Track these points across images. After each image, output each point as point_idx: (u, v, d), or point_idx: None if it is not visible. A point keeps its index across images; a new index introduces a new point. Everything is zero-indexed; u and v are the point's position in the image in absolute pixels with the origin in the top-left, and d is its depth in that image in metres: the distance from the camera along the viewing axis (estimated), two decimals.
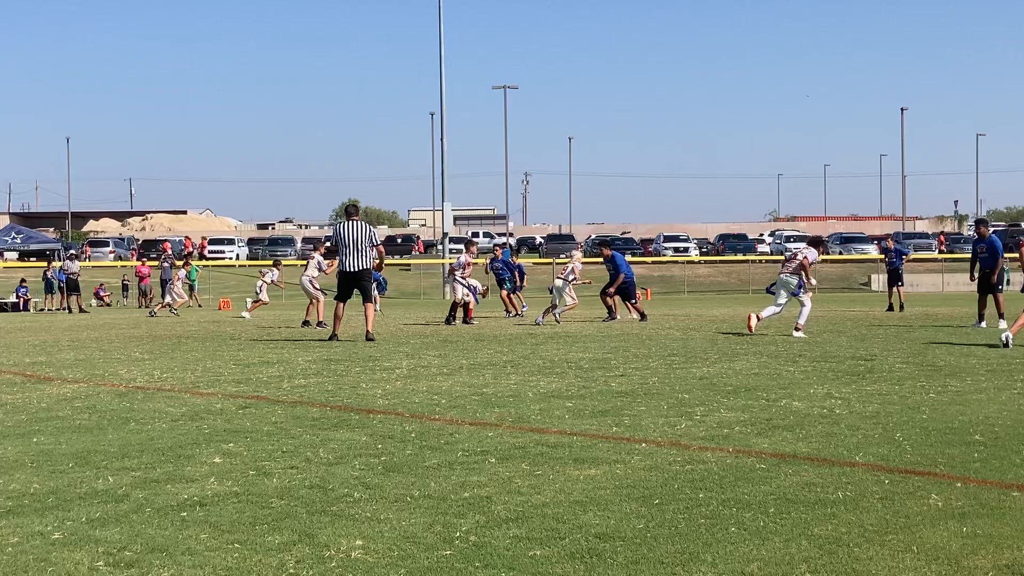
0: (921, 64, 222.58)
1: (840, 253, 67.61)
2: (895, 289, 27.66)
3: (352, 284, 17.21)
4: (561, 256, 53.18)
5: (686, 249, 70.93)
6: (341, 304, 17.21)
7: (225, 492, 5.50)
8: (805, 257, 17.94)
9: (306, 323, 22.93)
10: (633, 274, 24.20)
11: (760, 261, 63.18)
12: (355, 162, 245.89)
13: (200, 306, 40.73)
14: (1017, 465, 5.95)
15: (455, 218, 60.64)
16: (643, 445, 6.73)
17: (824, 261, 61.97)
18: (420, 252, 76.48)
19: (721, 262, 68.78)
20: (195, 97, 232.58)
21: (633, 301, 23.90)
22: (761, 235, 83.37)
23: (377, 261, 18.06)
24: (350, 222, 17.21)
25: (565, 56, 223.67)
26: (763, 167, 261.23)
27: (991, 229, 22.56)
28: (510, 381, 10.48)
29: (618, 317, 23.10)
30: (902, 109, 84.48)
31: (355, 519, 4.91)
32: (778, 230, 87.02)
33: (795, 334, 16.83)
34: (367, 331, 16.95)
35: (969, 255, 21.35)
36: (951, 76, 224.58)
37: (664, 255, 68.69)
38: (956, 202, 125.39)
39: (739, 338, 16.82)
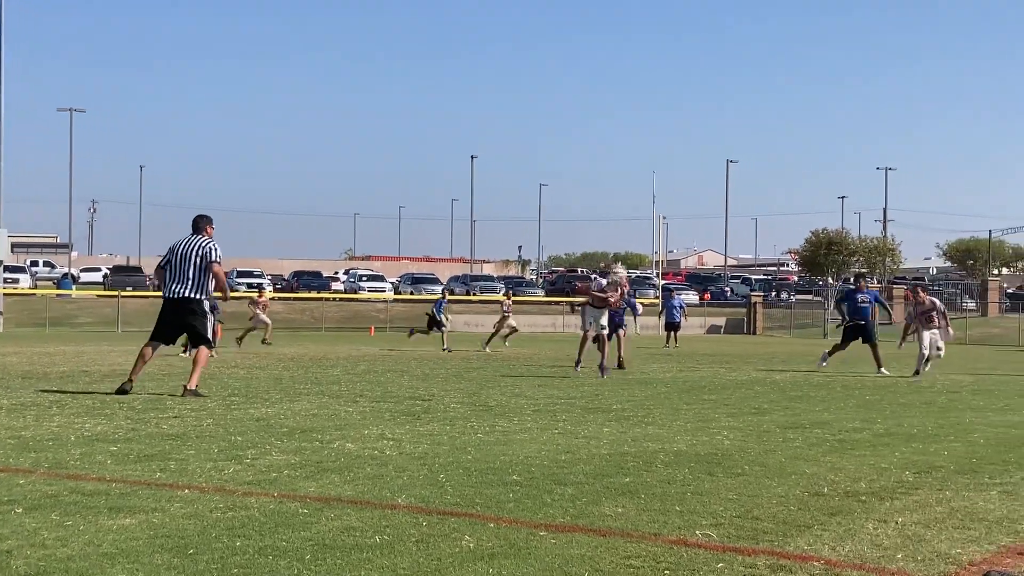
0: (489, 114, 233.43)
1: (411, 293, 69.29)
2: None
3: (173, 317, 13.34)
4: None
5: (259, 285, 70.19)
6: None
7: None
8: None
9: None
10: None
11: (334, 299, 63.57)
12: None
13: None
14: (548, 504, 6.25)
15: (12, 245, 56.91)
16: (186, 491, 6.51)
17: (396, 300, 63.31)
18: None
19: (295, 299, 68.60)
20: None
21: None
22: (336, 273, 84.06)
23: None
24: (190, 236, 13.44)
25: (134, 82, 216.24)
26: (339, 206, 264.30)
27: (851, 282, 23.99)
28: (52, 423, 9.88)
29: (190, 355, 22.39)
30: (472, 157, 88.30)
31: None
32: (353, 268, 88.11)
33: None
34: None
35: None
36: (517, 128, 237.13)
37: (237, 290, 67.63)
38: (520, 247, 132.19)
39: (304, 377, 16.79)
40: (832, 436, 9.87)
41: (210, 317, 13.59)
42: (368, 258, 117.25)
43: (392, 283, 77.06)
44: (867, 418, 11.57)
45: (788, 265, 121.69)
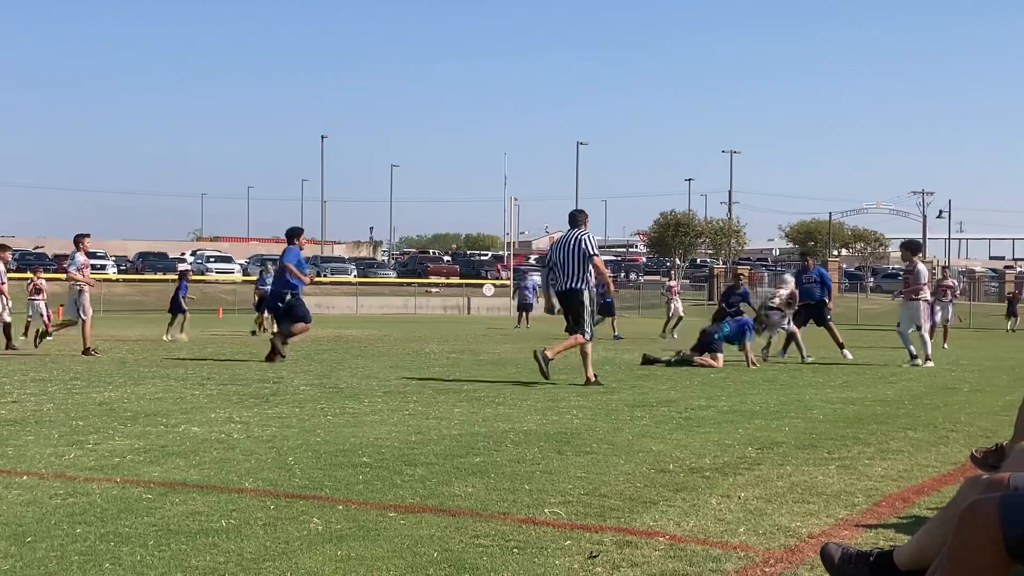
0: (340, 95, 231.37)
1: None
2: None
3: None
4: None
5: (103, 267, 68.40)
6: None
7: None
8: None
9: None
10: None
11: None
12: None
13: None
14: (398, 486, 6.23)
15: None
16: (24, 478, 6.31)
17: (244, 282, 62.26)
18: None
19: (140, 281, 67.06)
20: None
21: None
22: (183, 254, 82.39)
23: None
24: None
25: None
26: (187, 186, 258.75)
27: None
28: None
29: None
30: (322, 137, 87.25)
31: None
32: (200, 249, 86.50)
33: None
34: None
35: None
36: (368, 109, 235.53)
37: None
38: (372, 229, 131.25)
39: (150, 360, 16.42)
40: (678, 414, 10.06)
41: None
42: (216, 239, 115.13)
43: (241, 264, 75.89)
44: (712, 396, 11.84)
45: (637, 246, 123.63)
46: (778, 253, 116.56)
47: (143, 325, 33.81)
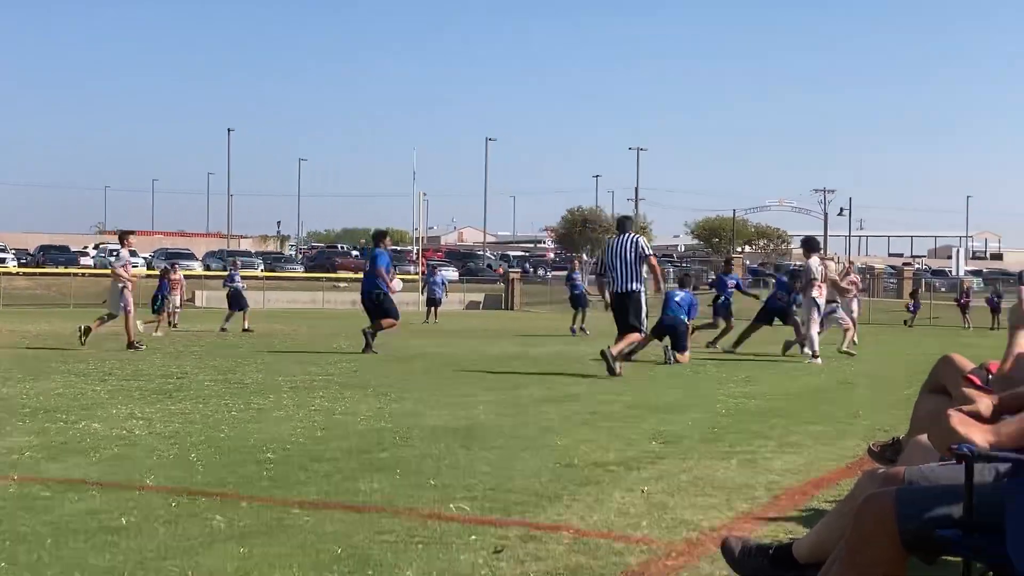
0: (246, 88, 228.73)
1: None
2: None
3: None
4: None
5: (3, 260, 66.89)
6: None
7: None
8: None
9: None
10: None
11: (83, 274, 61.08)
12: None
13: None
14: (302, 482, 6.19)
15: None
16: None
17: (148, 276, 61.22)
18: None
19: (41, 274, 65.61)
20: None
21: None
22: (85, 247, 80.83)
23: None
24: None
25: None
26: (89, 178, 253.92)
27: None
28: None
29: None
30: (229, 130, 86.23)
31: None
32: (103, 243, 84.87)
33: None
34: None
35: None
36: (275, 102, 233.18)
37: None
38: (279, 223, 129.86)
39: (51, 354, 16.09)
40: (585, 409, 10.13)
41: None
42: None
43: (145, 258, 74.58)
44: (618, 391, 11.92)
45: (545, 242, 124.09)
46: (683, 249, 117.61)
47: (45, 319, 33.09)
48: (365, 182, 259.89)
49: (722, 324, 22.27)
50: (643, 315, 14.38)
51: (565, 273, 38.15)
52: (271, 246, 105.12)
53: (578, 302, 28.77)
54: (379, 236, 19.34)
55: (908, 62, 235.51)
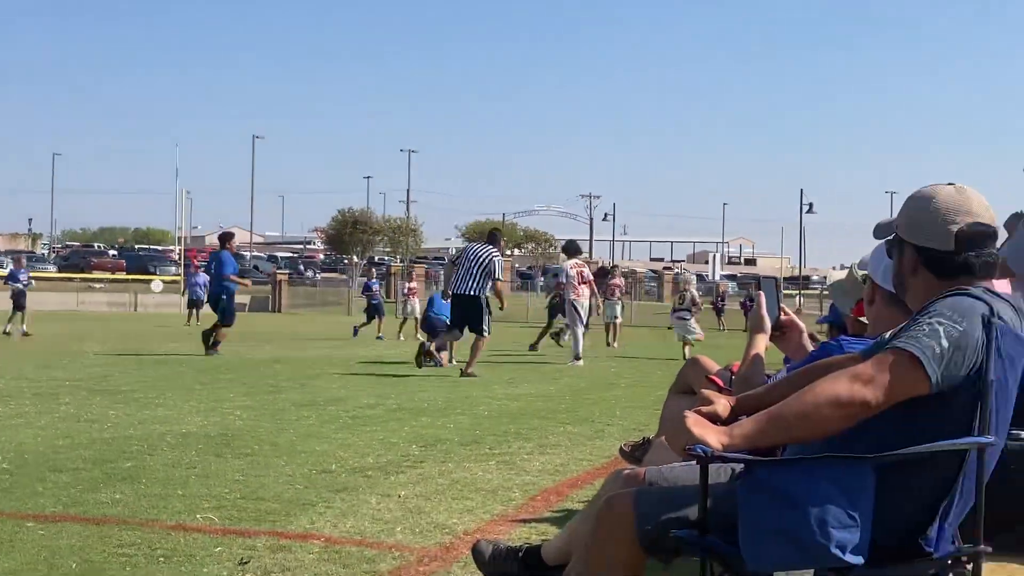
0: None
1: None
2: None
3: None
4: None
5: None
6: None
7: None
8: None
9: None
10: None
11: None
12: None
13: None
14: (39, 494, 5.86)
15: None
16: None
17: None
18: None
19: None
20: None
21: None
22: None
23: None
24: None
25: None
26: None
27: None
28: None
29: None
30: None
31: None
32: None
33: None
34: None
35: None
36: (27, 92, 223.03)
37: None
38: (31, 220, 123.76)
39: None
40: (346, 413, 9.98)
41: None
42: None
43: None
44: (382, 394, 11.81)
45: (315, 243, 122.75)
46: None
47: None
48: (125, 179, 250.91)
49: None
50: (486, 319, 14.99)
51: (363, 282, 37.88)
52: (22, 244, 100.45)
53: (376, 311, 28.86)
54: (225, 238, 19.00)
55: (664, 73, 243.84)
